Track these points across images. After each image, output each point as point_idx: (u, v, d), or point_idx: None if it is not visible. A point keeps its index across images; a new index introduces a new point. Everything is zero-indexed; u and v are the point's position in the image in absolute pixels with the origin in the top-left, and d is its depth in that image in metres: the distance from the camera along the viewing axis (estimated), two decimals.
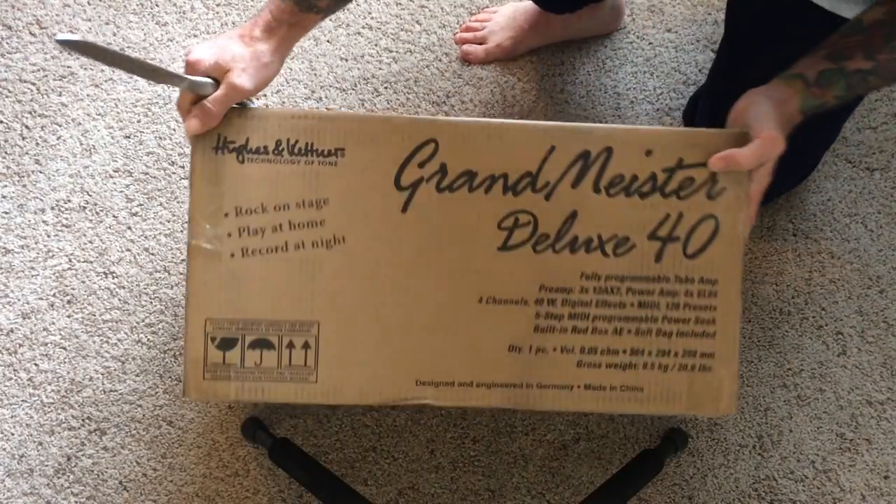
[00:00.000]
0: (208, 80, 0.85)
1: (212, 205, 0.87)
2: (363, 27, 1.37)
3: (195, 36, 1.35)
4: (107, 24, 1.36)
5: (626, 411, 0.96)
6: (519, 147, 0.88)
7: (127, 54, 0.85)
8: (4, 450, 1.12)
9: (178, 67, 1.33)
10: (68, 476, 1.11)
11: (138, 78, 1.33)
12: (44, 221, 1.24)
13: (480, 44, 1.36)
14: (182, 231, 1.22)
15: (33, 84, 1.32)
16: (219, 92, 0.84)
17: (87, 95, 1.31)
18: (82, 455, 1.12)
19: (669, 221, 0.90)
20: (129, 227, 1.24)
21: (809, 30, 0.96)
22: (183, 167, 1.27)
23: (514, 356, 0.90)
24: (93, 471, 1.12)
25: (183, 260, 1.21)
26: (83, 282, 1.20)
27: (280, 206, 0.88)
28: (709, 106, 1.19)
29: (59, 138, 1.29)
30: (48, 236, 1.23)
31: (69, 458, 1.12)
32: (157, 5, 1.38)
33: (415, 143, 0.87)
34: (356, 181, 0.88)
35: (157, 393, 1.15)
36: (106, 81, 1.32)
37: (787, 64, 0.96)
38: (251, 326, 0.90)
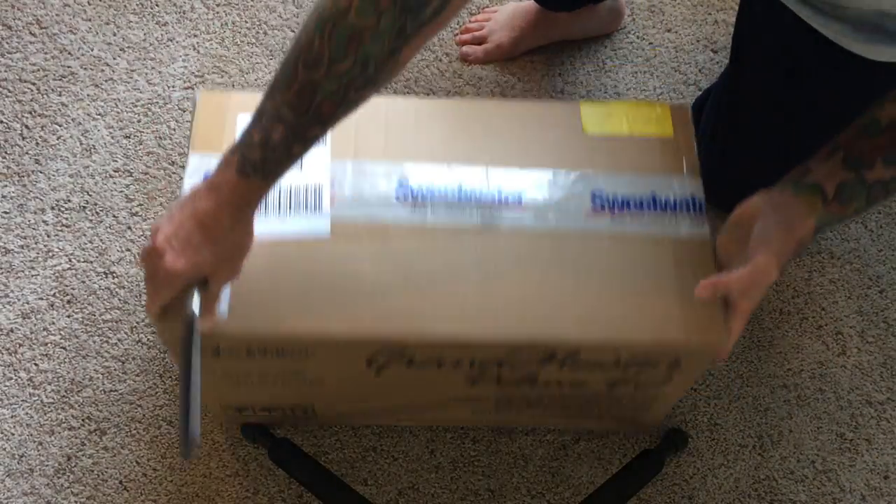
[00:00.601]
0: (195, 293, 0.82)
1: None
2: None
3: (195, 36, 1.36)
4: (107, 24, 1.36)
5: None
6: (485, 350, 0.89)
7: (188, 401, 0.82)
8: (4, 450, 1.12)
9: (177, 67, 1.33)
10: (68, 476, 1.11)
11: (138, 77, 1.33)
12: (44, 221, 1.24)
13: (479, 44, 1.36)
14: None
15: (33, 84, 1.32)
16: (213, 289, 0.82)
17: (87, 95, 1.31)
18: (82, 455, 1.12)
19: (625, 379, 0.95)
20: (129, 227, 1.24)
21: (826, 70, 0.93)
22: (183, 167, 1.27)
23: (476, 416, 1.10)
24: (93, 471, 1.12)
25: None
26: (83, 282, 1.20)
27: (262, 373, 0.95)
28: (711, 125, 1.18)
29: (59, 138, 1.29)
30: (48, 236, 1.23)
31: (69, 458, 1.12)
32: (157, 5, 1.38)
33: (381, 347, 0.89)
34: (330, 364, 0.94)
35: (157, 393, 1.15)
36: (106, 81, 1.32)
37: (790, 96, 0.94)
38: (257, 405, 1.07)
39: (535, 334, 0.87)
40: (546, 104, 1.00)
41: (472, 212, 0.92)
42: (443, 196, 0.93)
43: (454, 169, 0.94)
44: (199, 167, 0.93)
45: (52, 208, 1.24)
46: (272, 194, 0.87)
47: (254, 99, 1.02)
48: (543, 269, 0.90)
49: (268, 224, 0.90)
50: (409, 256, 0.90)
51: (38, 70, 1.32)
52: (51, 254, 1.22)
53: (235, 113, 0.96)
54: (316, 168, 0.94)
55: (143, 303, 1.19)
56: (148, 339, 1.18)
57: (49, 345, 1.17)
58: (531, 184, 0.94)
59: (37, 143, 1.28)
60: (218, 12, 1.38)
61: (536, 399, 1.02)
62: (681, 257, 0.90)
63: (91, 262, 1.22)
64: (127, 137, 1.29)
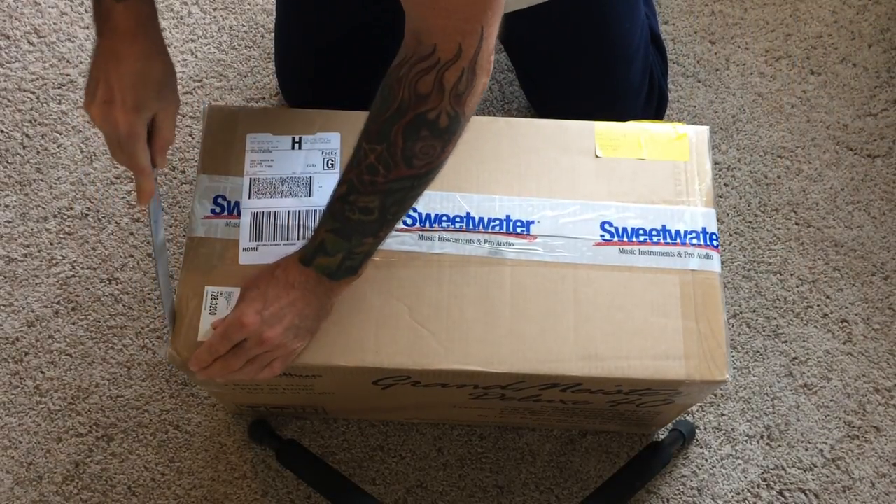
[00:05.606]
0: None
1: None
2: None
3: (193, 41, 1.36)
4: None
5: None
6: (488, 380, 0.91)
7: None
8: (13, 458, 1.12)
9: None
10: (77, 483, 1.11)
11: None
12: (47, 229, 1.24)
13: None
14: (184, 237, 1.23)
15: (33, 93, 1.32)
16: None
17: None
18: (90, 461, 1.12)
19: (627, 401, 0.97)
20: (132, 234, 1.24)
21: None
22: (184, 171, 1.27)
23: (482, 417, 1.10)
24: (101, 477, 1.12)
25: None
26: (87, 289, 1.21)
27: (272, 386, 0.97)
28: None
29: (59, 146, 1.29)
30: (51, 244, 1.23)
31: (77, 465, 1.12)
32: None
33: (385, 376, 0.91)
34: (337, 383, 0.96)
35: (163, 398, 1.15)
36: None
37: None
38: (269, 405, 1.08)
39: (537, 368, 0.88)
40: (559, 124, 0.98)
41: (480, 241, 0.92)
42: (450, 224, 0.92)
43: (463, 196, 0.94)
44: (209, 189, 0.93)
45: (55, 216, 1.25)
46: (281, 220, 0.91)
47: (262, 115, 1.00)
48: (548, 302, 0.90)
49: (276, 248, 0.91)
50: (415, 285, 0.90)
51: (38, 79, 1.33)
52: (54, 262, 1.22)
53: (244, 133, 0.96)
54: (324, 192, 0.93)
55: (147, 308, 1.19)
56: (153, 345, 1.18)
57: (55, 352, 1.17)
58: (540, 213, 0.93)
59: (38, 152, 1.28)
60: (215, 16, 1.38)
61: (540, 409, 1.02)
62: (687, 291, 0.91)
63: (95, 268, 1.22)
64: None
